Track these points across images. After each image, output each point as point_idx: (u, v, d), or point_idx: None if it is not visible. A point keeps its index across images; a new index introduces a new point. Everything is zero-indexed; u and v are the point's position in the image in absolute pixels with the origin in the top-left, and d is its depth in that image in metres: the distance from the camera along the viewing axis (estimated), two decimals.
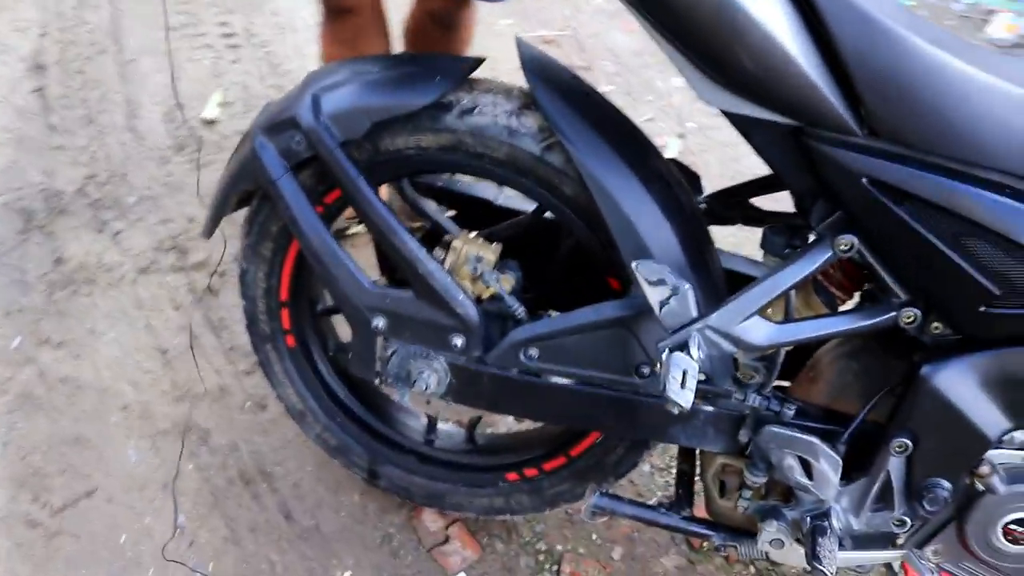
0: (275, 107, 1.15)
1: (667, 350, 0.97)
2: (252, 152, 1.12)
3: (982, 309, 0.90)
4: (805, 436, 1.04)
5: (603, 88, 1.80)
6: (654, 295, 0.96)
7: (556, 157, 1.05)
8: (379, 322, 1.15)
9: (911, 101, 0.82)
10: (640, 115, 2.67)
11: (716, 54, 0.84)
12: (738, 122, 0.91)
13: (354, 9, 1.64)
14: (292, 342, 1.37)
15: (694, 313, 0.97)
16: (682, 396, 0.92)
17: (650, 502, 1.43)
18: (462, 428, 1.51)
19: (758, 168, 1.01)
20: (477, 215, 1.31)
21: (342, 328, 1.33)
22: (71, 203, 2.19)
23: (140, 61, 2.71)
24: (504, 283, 1.14)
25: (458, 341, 1.13)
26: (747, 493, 1.14)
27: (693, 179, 1.20)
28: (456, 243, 1.15)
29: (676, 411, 0.93)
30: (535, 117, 1.06)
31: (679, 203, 1.06)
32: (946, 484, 1.02)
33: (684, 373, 0.93)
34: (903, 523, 1.08)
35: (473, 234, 1.19)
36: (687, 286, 0.96)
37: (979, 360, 0.94)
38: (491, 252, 1.15)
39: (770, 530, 1.11)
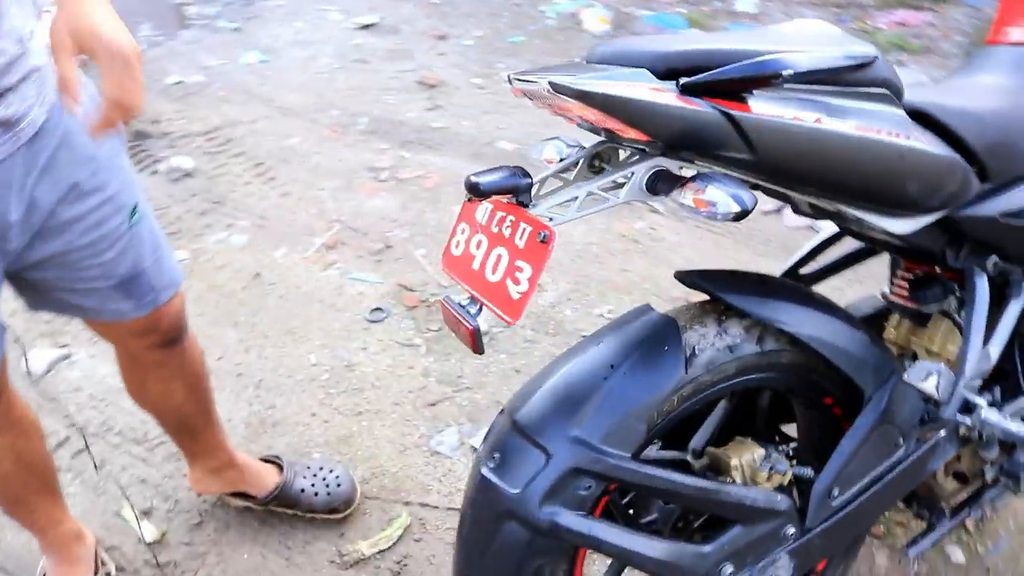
0: (516, 481, 1.04)
1: (978, 409, 1.18)
2: (548, 527, 1.02)
3: None
4: None
5: None
6: (928, 385, 1.11)
7: (770, 342, 1.12)
8: (727, 569, 1.16)
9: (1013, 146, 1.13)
10: None
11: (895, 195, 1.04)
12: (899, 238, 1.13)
13: None
14: None
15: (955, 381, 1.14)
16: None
17: None
18: None
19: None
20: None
21: None
22: None
23: None
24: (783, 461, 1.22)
25: (790, 530, 1.18)
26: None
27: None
28: (733, 461, 1.20)
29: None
30: (735, 323, 1.11)
31: (851, 317, 1.20)
32: None
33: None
34: None
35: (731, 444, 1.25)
36: (940, 365, 1.12)
37: None
38: (756, 447, 1.23)
39: None
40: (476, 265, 0.97)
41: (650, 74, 0.89)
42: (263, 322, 2.44)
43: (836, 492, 1.17)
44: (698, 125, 0.88)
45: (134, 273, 1.28)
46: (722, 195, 0.89)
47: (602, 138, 1.02)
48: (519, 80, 0.93)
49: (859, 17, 4.62)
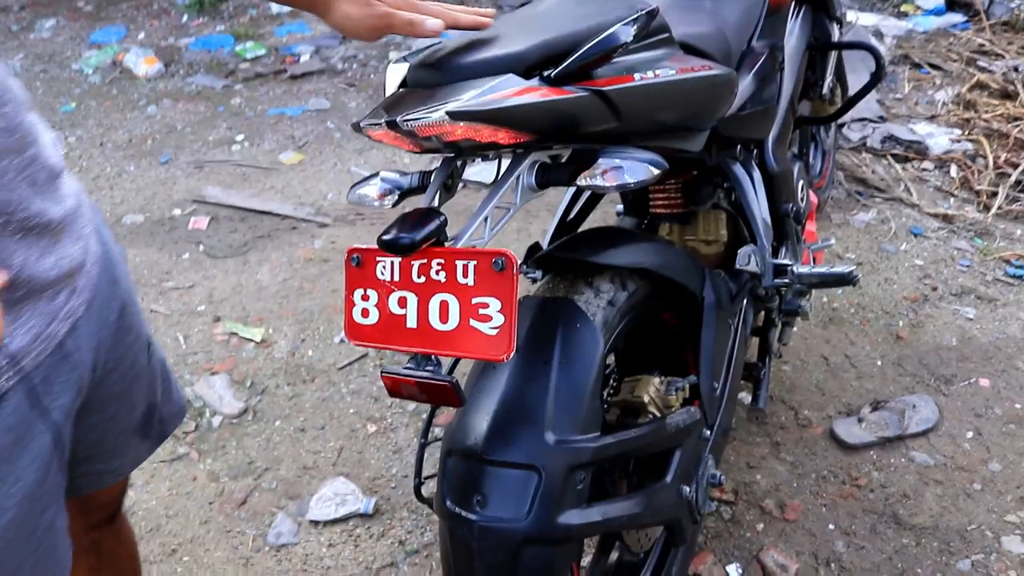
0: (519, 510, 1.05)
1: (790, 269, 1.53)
2: (569, 533, 1.06)
3: None
4: None
5: None
6: (752, 267, 1.43)
7: (631, 283, 1.24)
8: (685, 490, 1.30)
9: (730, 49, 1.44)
10: None
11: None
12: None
13: None
14: None
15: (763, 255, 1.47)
16: None
17: None
18: None
19: None
20: None
21: None
22: None
23: None
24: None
25: (706, 433, 1.36)
26: None
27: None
28: (644, 398, 1.33)
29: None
30: (601, 279, 1.20)
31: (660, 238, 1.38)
32: None
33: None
34: None
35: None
36: (750, 247, 1.42)
37: None
38: (652, 378, 1.37)
39: None
40: (413, 323, 0.95)
41: (517, 76, 0.96)
42: None
43: (716, 384, 1.38)
44: (575, 110, 0.98)
45: (149, 409, 1.09)
46: (638, 165, 1.00)
47: (449, 155, 1.07)
48: (382, 124, 0.94)
49: None
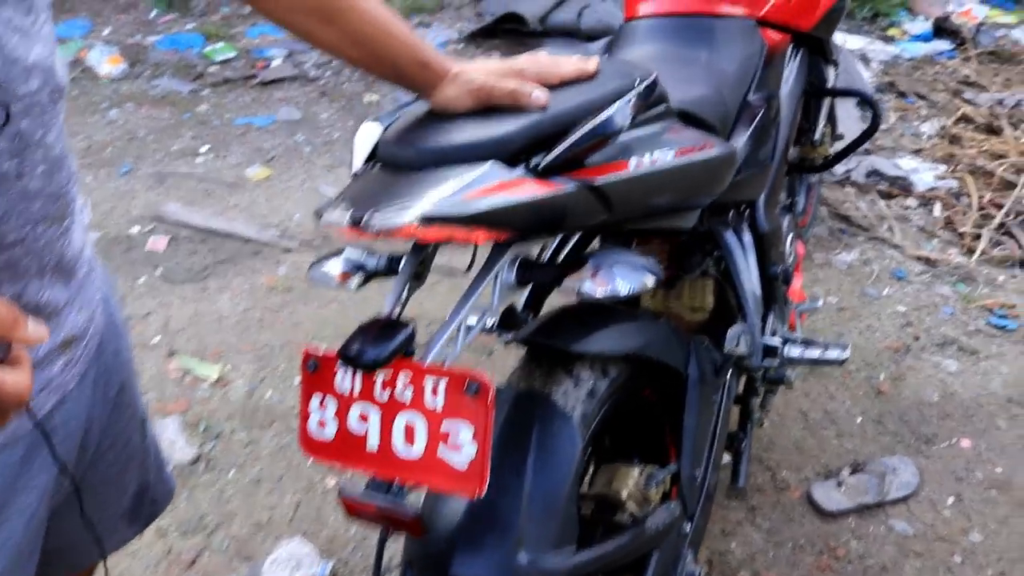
0: None
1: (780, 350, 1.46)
2: None
3: None
4: None
5: None
6: (741, 349, 1.36)
7: (613, 369, 1.16)
8: None
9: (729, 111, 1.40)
10: None
11: None
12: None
13: None
14: None
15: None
16: None
17: None
18: None
19: None
20: None
21: None
22: None
23: None
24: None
25: (686, 527, 1.30)
26: None
27: None
28: (623, 493, 1.21)
29: None
30: (581, 366, 1.11)
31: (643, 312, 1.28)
32: None
33: None
34: None
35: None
36: (739, 326, 1.35)
37: None
38: (631, 469, 1.25)
39: None
40: (374, 444, 0.86)
41: (500, 164, 0.87)
42: None
43: (698, 472, 1.30)
44: (564, 205, 0.90)
45: (141, 490, 1.03)
46: (631, 273, 0.91)
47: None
48: (345, 221, 0.85)
49: None
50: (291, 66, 4.03)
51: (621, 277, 0.92)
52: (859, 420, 2.18)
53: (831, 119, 2.41)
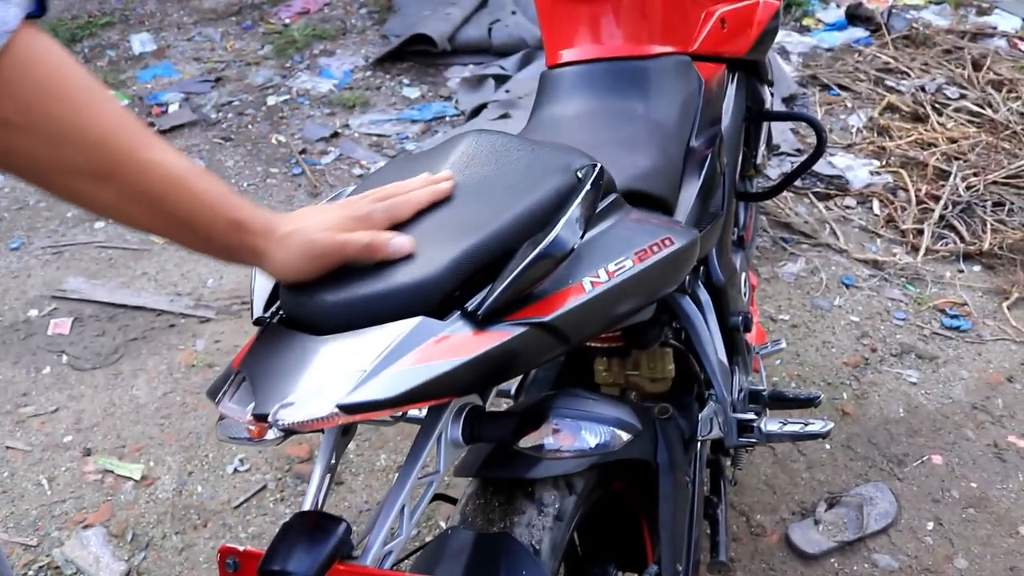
0: None
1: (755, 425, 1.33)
2: None
3: None
4: None
5: None
6: (714, 434, 1.27)
7: (579, 482, 1.04)
8: None
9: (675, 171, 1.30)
10: None
11: None
12: None
13: None
14: None
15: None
16: None
17: None
18: None
19: None
20: None
21: None
22: None
23: None
24: None
25: None
26: None
27: None
28: None
29: None
30: (543, 488, 0.99)
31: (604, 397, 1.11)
32: None
33: None
34: None
35: None
36: (710, 407, 1.25)
37: None
38: None
39: None
40: None
41: (430, 319, 0.74)
42: None
43: (680, 567, 1.19)
44: (512, 352, 0.76)
45: None
46: (601, 428, 0.79)
47: None
48: (247, 414, 0.71)
49: (259, 19, 4.57)
50: (189, 111, 3.80)
51: (589, 432, 0.80)
52: (828, 447, 2.11)
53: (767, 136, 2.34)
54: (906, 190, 2.97)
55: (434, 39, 3.91)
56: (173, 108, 3.82)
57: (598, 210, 0.92)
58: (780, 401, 1.57)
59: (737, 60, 1.69)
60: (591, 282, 0.85)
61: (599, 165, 0.89)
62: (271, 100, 3.86)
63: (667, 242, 0.97)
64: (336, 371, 0.70)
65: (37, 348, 2.62)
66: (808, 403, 1.56)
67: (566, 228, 0.78)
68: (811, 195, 3.02)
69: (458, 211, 0.86)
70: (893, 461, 2.08)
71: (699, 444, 1.36)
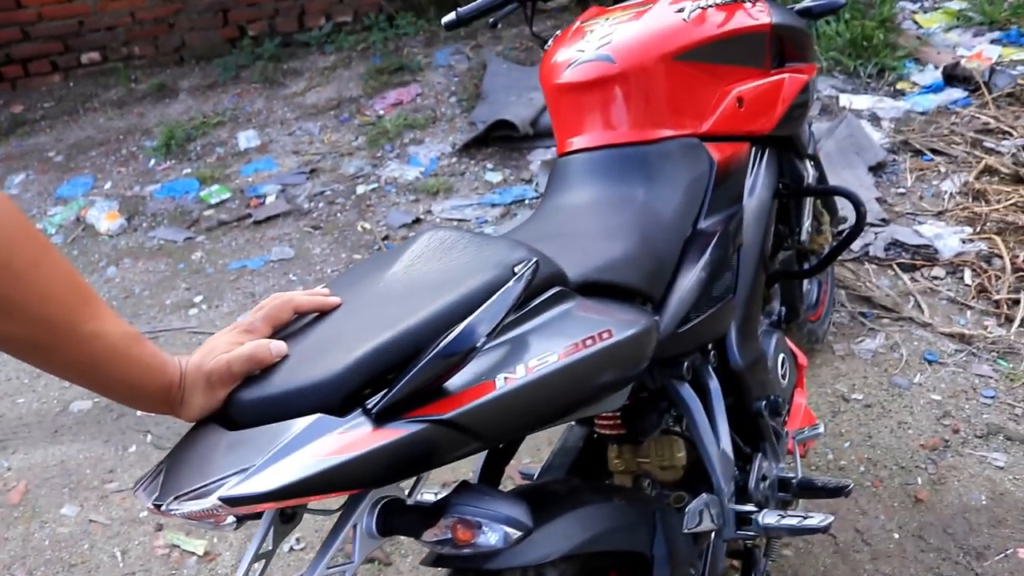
0: None
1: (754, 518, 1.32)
2: None
3: None
4: None
5: None
6: (705, 526, 1.24)
7: None
8: None
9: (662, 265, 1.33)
10: None
11: None
12: None
13: None
14: None
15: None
16: None
17: None
18: None
19: None
20: None
21: None
22: None
23: None
24: None
25: None
26: None
27: None
28: None
29: None
30: None
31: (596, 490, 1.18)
32: None
33: None
34: None
35: None
36: (702, 498, 1.23)
37: None
38: None
39: None
40: None
41: (329, 417, 0.78)
42: None
43: None
44: (409, 450, 0.79)
45: None
46: (497, 527, 0.81)
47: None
48: (150, 505, 0.77)
49: (356, 112, 4.87)
50: (284, 201, 4.08)
51: (489, 530, 0.82)
52: (896, 536, 2.00)
53: (829, 206, 2.30)
54: (1001, 257, 2.83)
55: (516, 124, 4.06)
56: (270, 199, 4.12)
57: (536, 304, 0.95)
58: (809, 490, 1.52)
59: (765, 137, 1.70)
60: (505, 378, 0.86)
61: (534, 260, 0.91)
62: (360, 189, 4.09)
63: (605, 335, 0.97)
64: (229, 464, 0.76)
65: (126, 428, 2.83)
66: (837, 492, 1.50)
67: (472, 325, 0.80)
68: (895, 266, 2.92)
69: (379, 310, 0.90)
70: (971, 554, 1.94)
71: (711, 536, 1.34)
